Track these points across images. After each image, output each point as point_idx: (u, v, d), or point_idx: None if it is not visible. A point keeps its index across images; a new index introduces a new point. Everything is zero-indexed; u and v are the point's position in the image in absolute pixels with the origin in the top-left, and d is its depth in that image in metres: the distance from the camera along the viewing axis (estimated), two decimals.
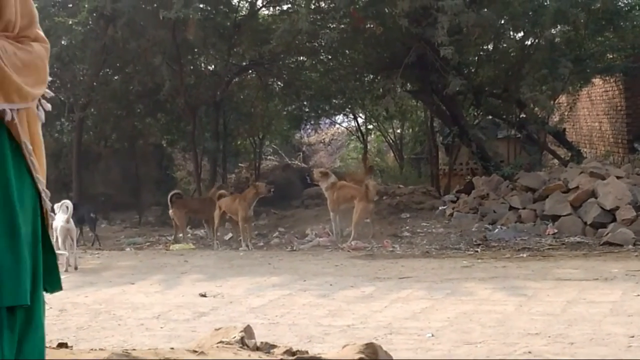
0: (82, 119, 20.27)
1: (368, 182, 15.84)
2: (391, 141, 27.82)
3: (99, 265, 13.95)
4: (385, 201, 18.84)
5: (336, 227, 15.79)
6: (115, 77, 21.38)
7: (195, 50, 20.52)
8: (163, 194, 19.32)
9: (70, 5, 19.04)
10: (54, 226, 12.11)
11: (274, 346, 4.10)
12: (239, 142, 25.82)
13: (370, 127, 27.83)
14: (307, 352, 3.90)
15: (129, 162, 23.22)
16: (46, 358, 3.37)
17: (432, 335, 7.50)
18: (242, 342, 4.11)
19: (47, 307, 8.82)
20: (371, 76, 21.19)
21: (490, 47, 19.79)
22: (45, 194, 3.54)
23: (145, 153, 24.02)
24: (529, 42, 18.93)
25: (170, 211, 16.90)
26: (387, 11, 17.48)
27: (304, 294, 10.00)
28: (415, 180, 23.88)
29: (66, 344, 3.85)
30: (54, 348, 3.69)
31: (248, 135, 25.23)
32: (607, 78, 21.07)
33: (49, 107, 3.69)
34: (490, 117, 22.01)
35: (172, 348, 3.68)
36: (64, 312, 9.20)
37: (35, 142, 3.54)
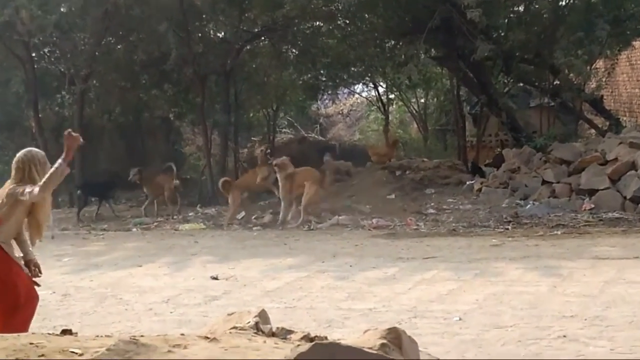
0: (84, 92, 20.32)
1: (325, 169, 16.13)
2: (414, 111, 27.72)
3: (104, 246, 14.06)
4: (408, 176, 18.82)
5: (285, 215, 15.87)
6: (119, 46, 21.40)
7: (204, 16, 20.50)
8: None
9: None
10: None
11: (290, 331, 4.11)
12: (251, 115, 25.83)
13: (392, 96, 27.73)
14: (326, 337, 3.91)
15: (134, 137, 23.35)
16: (50, 344, 3.41)
17: (460, 319, 7.51)
18: (257, 328, 4.13)
19: (49, 291, 8.89)
20: (392, 42, 21.06)
21: (521, 8, 19.60)
22: None
23: (152, 127, 24.14)
24: (563, 3, 18.75)
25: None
26: None
27: (322, 276, 10.03)
28: (440, 153, 23.82)
29: (70, 330, 3.87)
30: (57, 335, 3.72)
31: (261, 107, 25.23)
32: None
33: None
34: (521, 84, 21.86)
35: (183, 334, 3.70)
36: (67, 297, 9.28)
37: None
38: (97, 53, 20.35)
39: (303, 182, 15.86)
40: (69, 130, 5.94)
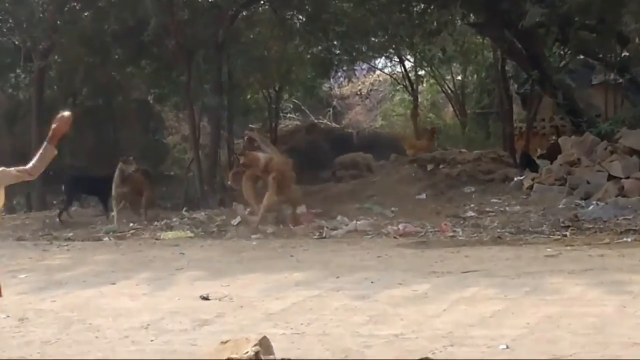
0: (43, 70, 20.41)
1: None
2: (449, 92, 27.73)
3: (69, 260, 14.06)
4: (443, 171, 18.80)
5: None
6: (85, 14, 21.40)
7: None
8: (151, 166, 19.43)
9: None
10: None
11: None
12: (248, 97, 25.88)
13: (422, 73, 27.74)
14: None
15: (105, 125, 23.39)
16: None
17: (507, 347, 7.49)
18: (257, 359, 4.14)
19: (3, 315, 8.91)
20: (422, 5, 21.04)
21: None
22: None
23: (127, 113, 24.18)
24: None
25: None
26: None
27: (337, 295, 10.02)
28: (481, 142, 23.82)
29: None
30: None
31: (260, 87, 25.27)
32: None
33: None
34: (581, 57, 21.80)
35: None
36: (25, 322, 9.28)
37: None
38: (58, 22, 20.41)
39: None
40: (62, 112, 6.35)
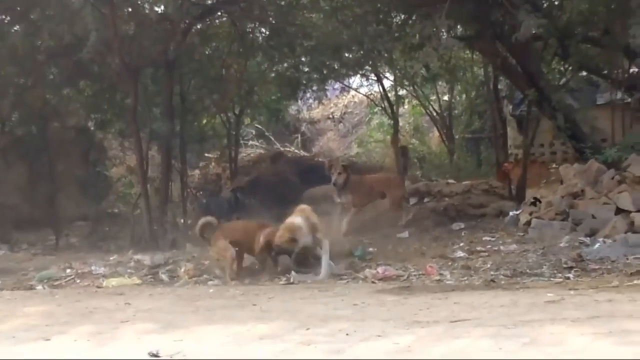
0: None
1: None
2: (435, 114, 27.86)
3: None
4: (428, 205, 18.84)
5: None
6: (15, 28, 21.39)
7: None
8: (91, 203, 19.35)
9: None
10: None
11: None
12: (204, 122, 25.88)
13: (403, 93, 27.87)
14: None
15: (39, 157, 23.27)
16: None
17: None
18: None
19: None
20: (402, 16, 21.15)
21: None
22: None
23: (64, 141, 24.09)
24: None
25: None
26: None
27: (308, 350, 9.99)
28: (472, 171, 23.95)
29: None
30: None
31: (218, 111, 25.30)
32: None
33: None
34: (584, 73, 21.98)
35: None
36: None
37: None
38: None
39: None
40: None
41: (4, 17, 21.16)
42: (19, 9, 21.02)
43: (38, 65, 21.31)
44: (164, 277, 16.42)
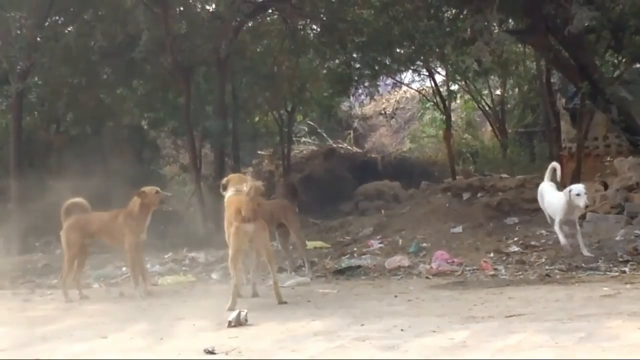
0: (22, 93, 20.48)
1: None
2: (487, 108, 27.73)
3: (53, 311, 14.06)
4: (481, 200, 18.72)
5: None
6: (69, 28, 21.51)
7: None
8: None
9: None
10: None
11: None
12: (256, 119, 25.95)
13: (455, 88, 27.77)
14: None
15: (93, 156, 23.44)
16: None
17: None
18: None
19: None
20: (453, 11, 21.07)
21: None
22: None
23: (118, 141, 24.24)
24: None
25: None
26: None
27: (362, 346, 9.98)
28: (525, 166, 23.78)
29: None
30: None
31: (270, 108, 25.34)
32: None
33: None
34: (638, 65, 21.79)
35: None
36: None
37: None
38: (38, 39, 20.50)
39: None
40: None
41: (57, 18, 21.29)
42: (72, 10, 21.17)
43: (92, 65, 21.43)
44: (217, 275, 16.47)
